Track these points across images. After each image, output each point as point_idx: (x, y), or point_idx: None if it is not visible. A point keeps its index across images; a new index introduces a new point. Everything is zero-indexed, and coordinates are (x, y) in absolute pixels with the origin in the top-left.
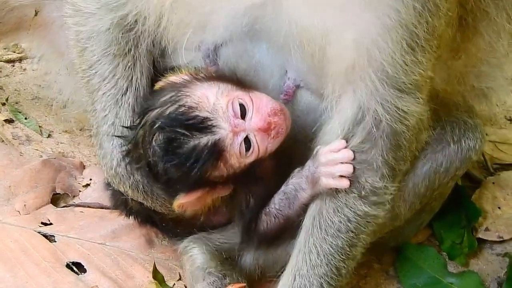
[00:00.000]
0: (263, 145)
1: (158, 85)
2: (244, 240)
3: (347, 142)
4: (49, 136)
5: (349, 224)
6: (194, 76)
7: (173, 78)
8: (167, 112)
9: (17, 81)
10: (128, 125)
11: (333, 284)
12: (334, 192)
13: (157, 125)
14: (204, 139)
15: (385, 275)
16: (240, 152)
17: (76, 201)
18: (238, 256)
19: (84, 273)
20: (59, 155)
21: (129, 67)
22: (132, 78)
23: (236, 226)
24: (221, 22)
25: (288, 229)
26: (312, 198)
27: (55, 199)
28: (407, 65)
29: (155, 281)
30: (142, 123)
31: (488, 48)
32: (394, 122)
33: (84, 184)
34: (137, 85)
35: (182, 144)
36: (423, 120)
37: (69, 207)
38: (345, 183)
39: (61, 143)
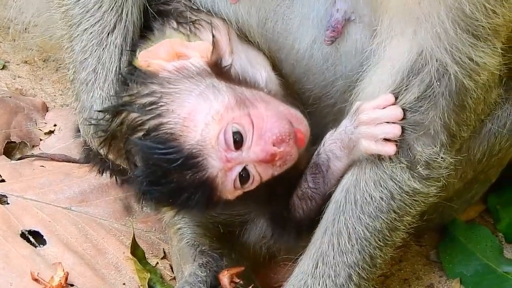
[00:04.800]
0: (266, 174)
1: (141, 59)
2: (277, 235)
3: (398, 97)
4: (3, 67)
5: (392, 202)
6: (184, 68)
7: (158, 63)
8: (146, 132)
9: None
10: (106, 95)
11: (365, 276)
12: (377, 160)
13: (134, 144)
14: (189, 177)
15: (425, 260)
16: (234, 186)
17: (36, 152)
18: (240, 231)
19: (43, 245)
20: (16, 93)
21: None
22: (122, 12)
23: (263, 219)
24: None
25: None
26: (350, 168)
27: (9, 150)
28: (489, 4)
29: (133, 258)
30: (117, 121)
31: None
32: (463, 76)
33: (46, 130)
34: (127, 21)
35: (163, 175)
36: (495, 75)
37: (26, 160)
38: (390, 149)
39: (18, 77)
